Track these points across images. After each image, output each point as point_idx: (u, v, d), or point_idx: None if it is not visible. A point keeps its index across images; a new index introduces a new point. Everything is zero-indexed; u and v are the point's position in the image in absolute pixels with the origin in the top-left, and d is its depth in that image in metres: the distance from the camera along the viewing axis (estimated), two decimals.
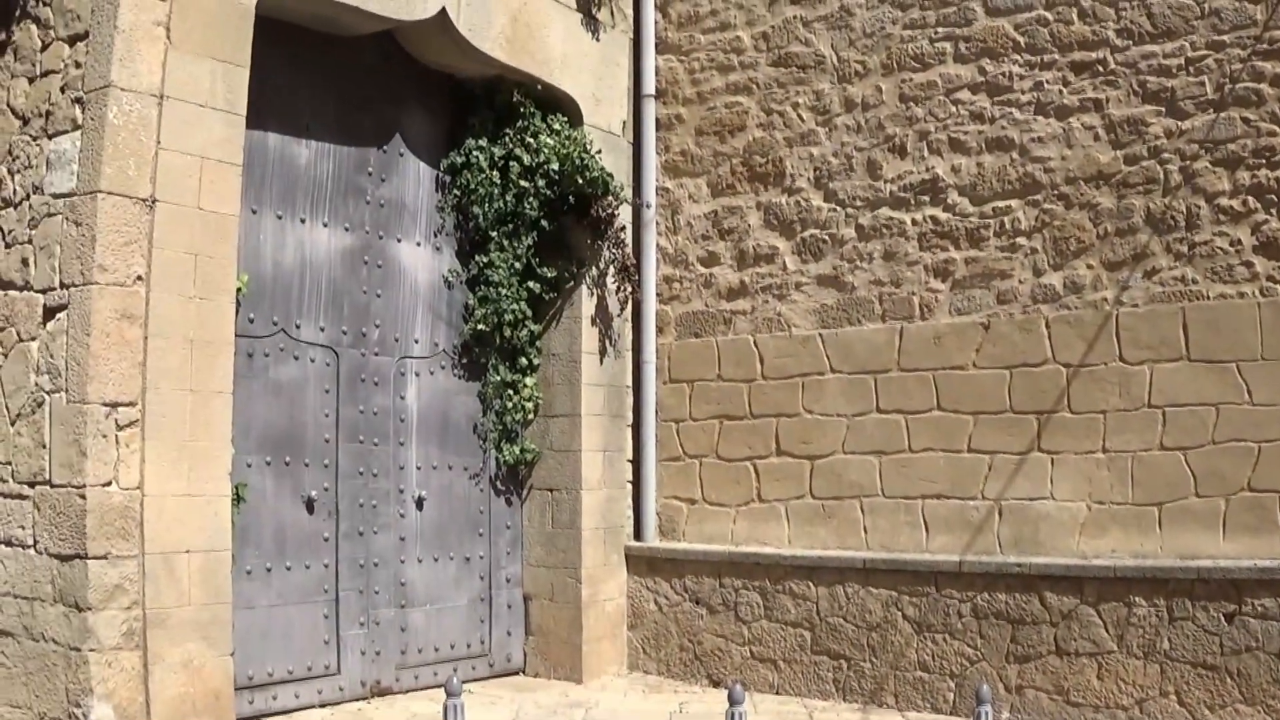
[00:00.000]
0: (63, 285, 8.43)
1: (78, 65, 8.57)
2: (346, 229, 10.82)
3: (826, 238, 12.04)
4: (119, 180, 8.41)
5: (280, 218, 10.25)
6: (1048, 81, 11.05)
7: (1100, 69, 10.82)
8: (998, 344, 11.16)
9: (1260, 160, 10.10)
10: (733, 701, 7.64)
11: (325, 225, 10.62)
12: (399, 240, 11.33)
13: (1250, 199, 10.13)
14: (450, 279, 11.75)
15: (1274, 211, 10.03)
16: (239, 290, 9.41)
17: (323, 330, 10.54)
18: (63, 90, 8.66)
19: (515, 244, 11.83)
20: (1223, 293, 10.19)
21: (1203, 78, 10.37)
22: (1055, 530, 10.71)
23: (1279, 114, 10.06)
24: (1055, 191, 10.96)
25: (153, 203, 8.58)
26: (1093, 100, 10.85)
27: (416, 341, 11.44)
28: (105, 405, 8.28)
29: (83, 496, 8.16)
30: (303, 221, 10.43)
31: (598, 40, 12.58)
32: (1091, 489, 10.59)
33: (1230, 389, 10.10)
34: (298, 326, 10.33)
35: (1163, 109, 10.53)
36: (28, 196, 8.76)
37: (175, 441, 8.64)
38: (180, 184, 8.74)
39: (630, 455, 12.83)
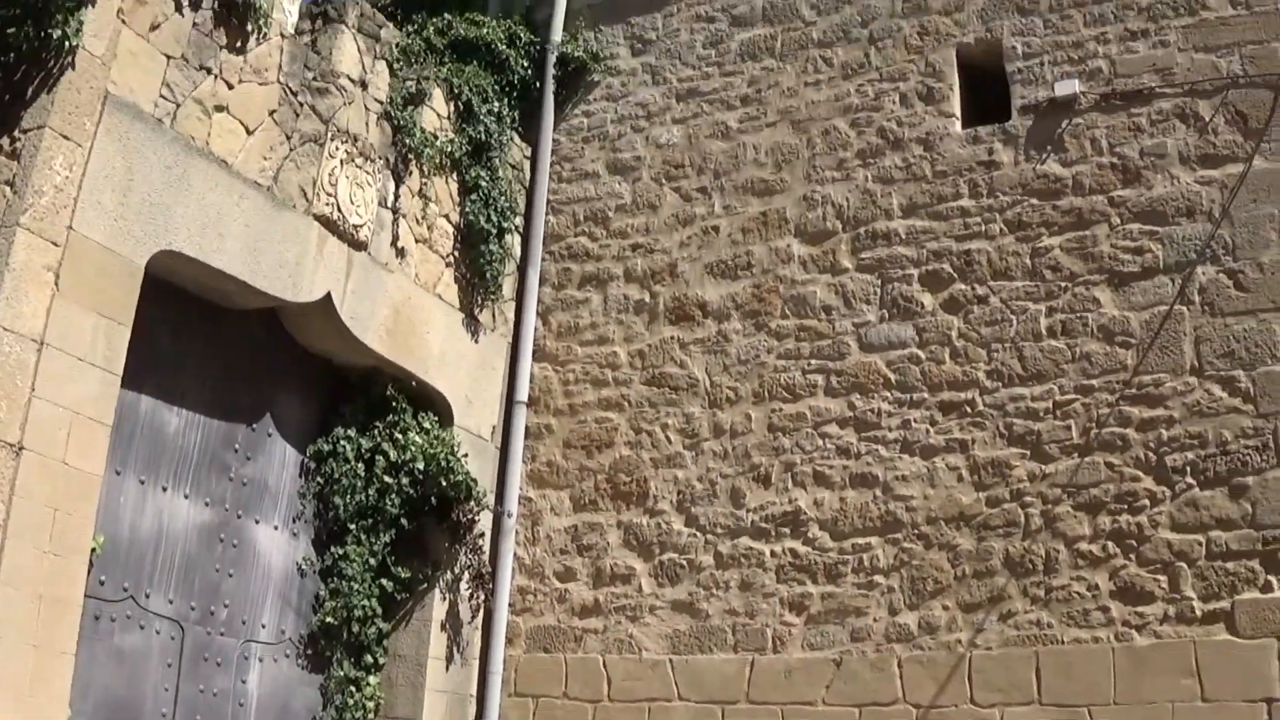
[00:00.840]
0: None
1: None
2: (207, 504, 10.59)
3: (684, 563, 12.01)
4: None
5: (143, 483, 10.02)
6: (915, 420, 11.28)
7: (968, 409, 11.09)
8: (849, 681, 11.09)
9: (1122, 505, 10.34)
10: None
11: (186, 497, 10.40)
12: (257, 521, 11.10)
13: (1110, 544, 10.33)
14: (304, 567, 11.50)
15: (1133, 557, 10.22)
16: (94, 551, 9.12)
17: (171, 603, 10.22)
18: None
19: (373, 539, 11.66)
20: (1077, 637, 10.28)
21: (1069, 422, 10.67)
22: None
23: (1143, 459, 10.36)
24: (916, 531, 11.08)
25: (19, 450, 8.35)
26: (959, 441, 11.07)
27: (264, 626, 11.12)
28: None
29: None
30: (164, 490, 10.21)
31: (477, 342, 12.70)
32: None
33: None
34: (147, 595, 10.01)
35: (1028, 452, 10.79)
36: None
37: (13, 696, 8.25)
38: (49, 435, 8.55)
39: None
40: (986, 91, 12.09)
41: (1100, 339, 10.78)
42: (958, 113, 12.10)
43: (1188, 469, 10.23)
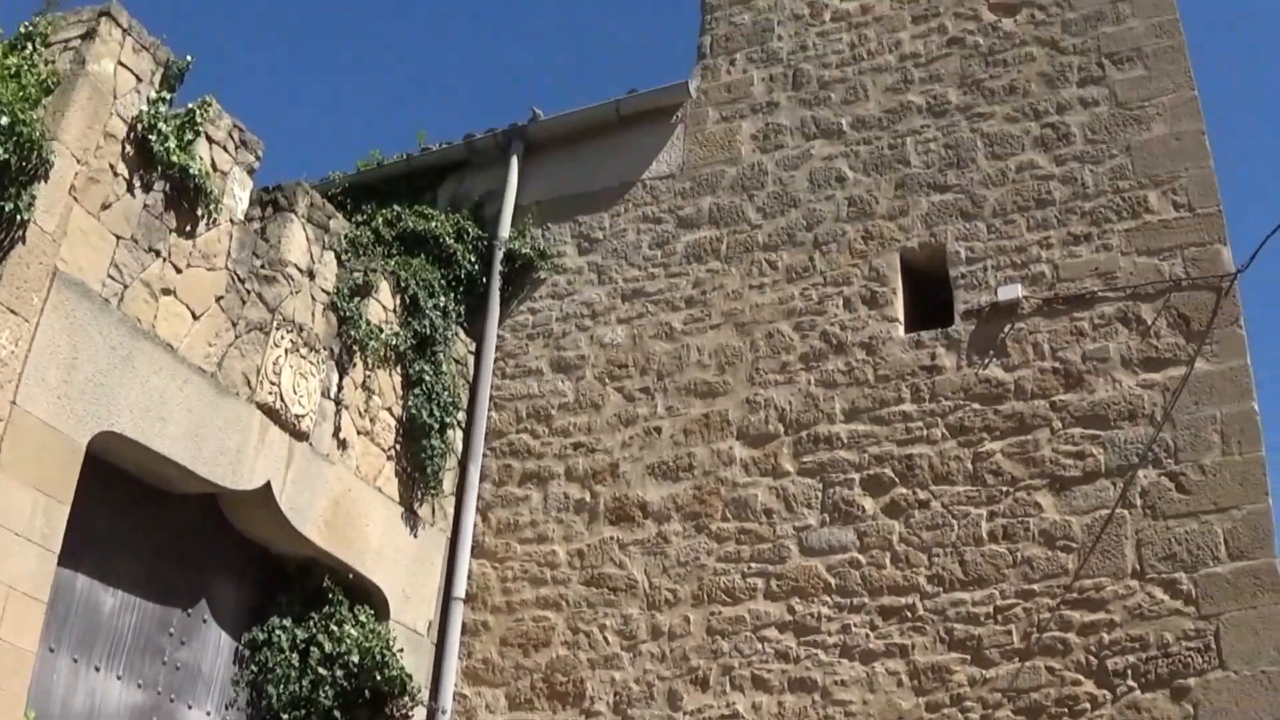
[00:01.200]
0: None
1: None
2: (139, 686, 10.37)
3: None
4: None
5: (76, 661, 9.82)
6: (855, 625, 11.22)
7: (909, 614, 11.04)
8: None
9: (1063, 709, 10.26)
10: None
11: (119, 678, 10.19)
12: (190, 707, 10.86)
13: None
14: None
15: None
16: None
17: None
18: None
19: None
20: None
21: (1010, 626, 10.63)
22: None
23: (1085, 663, 10.31)
24: None
25: None
26: (899, 646, 11.00)
27: None
28: None
29: None
30: (97, 670, 10.01)
31: (415, 536, 12.61)
32: None
33: None
34: None
35: (968, 657, 10.72)
36: None
37: None
38: None
39: None
40: (930, 295, 12.27)
41: (1041, 543, 10.81)
42: (901, 317, 12.26)
43: (1129, 672, 10.18)
